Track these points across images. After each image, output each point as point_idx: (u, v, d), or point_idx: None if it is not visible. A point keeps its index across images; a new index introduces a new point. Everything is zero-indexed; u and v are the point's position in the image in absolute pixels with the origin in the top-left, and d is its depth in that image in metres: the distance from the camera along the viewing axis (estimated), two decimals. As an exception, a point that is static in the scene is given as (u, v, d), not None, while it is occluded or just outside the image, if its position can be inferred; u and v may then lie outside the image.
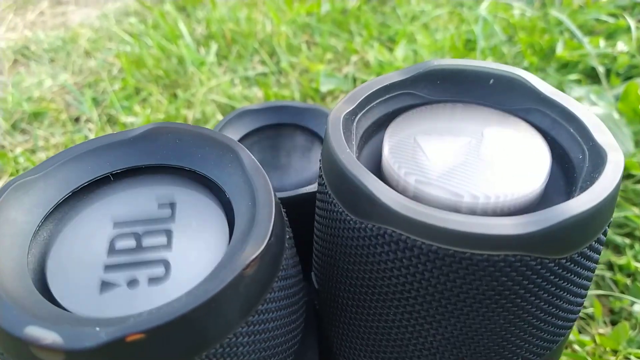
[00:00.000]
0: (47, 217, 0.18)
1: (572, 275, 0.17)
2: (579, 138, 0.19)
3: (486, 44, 0.65)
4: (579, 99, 0.53)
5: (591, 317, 0.42)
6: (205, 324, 0.15)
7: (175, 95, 0.71)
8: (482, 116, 0.21)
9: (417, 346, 0.18)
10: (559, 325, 0.18)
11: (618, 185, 0.16)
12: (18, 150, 0.65)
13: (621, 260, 0.44)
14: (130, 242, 0.18)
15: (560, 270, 0.16)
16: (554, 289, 0.17)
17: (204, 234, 0.18)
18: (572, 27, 0.53)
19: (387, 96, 0.22)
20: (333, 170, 0.18)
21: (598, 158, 0.18)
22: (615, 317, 0.42)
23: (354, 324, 0.20)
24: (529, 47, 0.63)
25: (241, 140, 0.30)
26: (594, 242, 0.17)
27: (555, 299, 0.17)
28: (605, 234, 0.17)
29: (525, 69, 0.63)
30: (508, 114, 0.21)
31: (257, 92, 0.69)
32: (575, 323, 0.41)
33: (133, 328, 0.14)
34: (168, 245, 0.18)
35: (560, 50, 0.60)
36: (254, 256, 0.15)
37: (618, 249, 0.46)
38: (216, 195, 0.19)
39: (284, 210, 0.20)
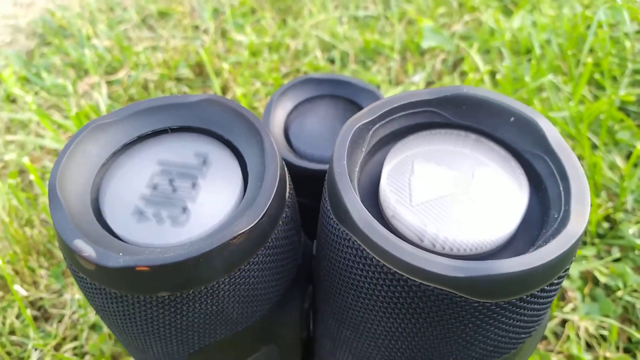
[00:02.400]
0: (114, 154, 0.24)
1: (500, 317, 0.19)
2: (562, 197, 0.21)
3: (607, 33, 0.60)
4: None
5: (605, 338, 0.43)
6: (193, 271, 0.20)
7: (284, 22, 0.75)
8: (485, 154, 0.23)
9: (366, 328, 0.22)
10: (489, 350, 0.21)
11: (560, 257, 0.18)
12: (141, 46, 0.74)
13: (658, 296, 0.43)
14: (168, 186, 0.23)
15: (486, 311, 0.19)
16: (479, 322, 0.19)
17: (222, 195, 0.23)
18: None
19: (411, 111, 0.24)
20: (329, 175, 0.21)
21: (562, 225, 0.20)
22: (631, 346, 0.43)
23: (327, 293, 0.24)
24: (656, 47, 0.58)
25: (299, 105, 0.34)
26: (525, 296, 0.19)
27: (482, 330, 0.20)
28: (544, 291, 0.20)
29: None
30: (512, 157, 0.23)
31: (360, 36, 0.70)
32: (585, 340, 0.42)
33: (142, 262, 0.19)
34: (194, 196, 0.23)
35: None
36: (241, 231, 0.20)
37: (662, 284, 0.45)
38: (241, 166, 0.24)
39: (292, 193, 0.24)
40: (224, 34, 0.74)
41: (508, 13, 0.71)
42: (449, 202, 0.21)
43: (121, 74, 0.69)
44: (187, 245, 0.20)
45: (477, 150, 0.23)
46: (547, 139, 0.22)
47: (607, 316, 0.43)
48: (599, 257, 0.45)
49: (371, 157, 0.24)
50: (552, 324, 0.43)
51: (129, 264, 0.19)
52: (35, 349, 0.42)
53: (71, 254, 0.20)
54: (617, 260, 0.46)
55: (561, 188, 0.21)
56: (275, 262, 0.23)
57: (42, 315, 0.46)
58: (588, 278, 0.44)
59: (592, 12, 0.66)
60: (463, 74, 0.63)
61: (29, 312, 0.44)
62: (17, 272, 0.48)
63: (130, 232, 0.21)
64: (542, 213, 0.22)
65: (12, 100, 0.68)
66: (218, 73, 0.67)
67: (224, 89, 0.66)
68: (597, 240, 0.45)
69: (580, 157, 0.50)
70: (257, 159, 0.23)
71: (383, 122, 0.24)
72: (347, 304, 0.22)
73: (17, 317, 0.45)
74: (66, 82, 0.68)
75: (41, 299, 0.46)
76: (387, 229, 0.21)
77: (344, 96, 0.34)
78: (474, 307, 0.19)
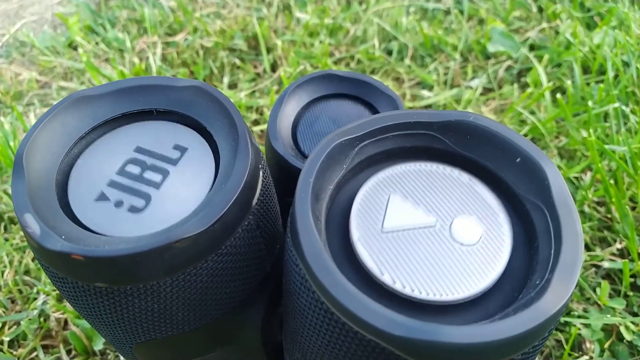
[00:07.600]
0: (93, 129, 0.23)
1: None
2: (550, 262, 0.18)
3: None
4: None
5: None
6: (130, 268, 0.19)
7: (349, 4, 0.72)
8: (473, 202, 0.20)
9: (311, 358, 0.21)
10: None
11: (520, 336, 0.16)
12: (206, 11, 0.74)
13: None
14: (136, 170, 0.22)
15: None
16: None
17: (189, 188, 0.21)
18: None
19: (409, 132, 0.22)
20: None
21: (538, 296, 0.17)
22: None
23: (285, 312, 0.23)
24: None
25: (314, 100, 0.32)
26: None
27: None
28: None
29: None
30: (504, 208, 0.20)
31: (421, 30, 0.66)
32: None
33: (77, 250, 0.18)
34: (159, 184, 0.21)
35: None
36: (185, 235, 0.19)
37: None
38: (217, 161, 0.22)
39: (265, 200, 0.22)
40: (285, 8, 0.73)
41: (591, 26, 0.65)
42: (415, 252, 0.19)
43: (179, 37, 0.70)
44: (129, 241, 0.19)
45: (465, 195, 0.20)
46: (550, 190, 0.19)
47: (626, 379, 0.39)
48: (631, 312, 0.40)
49: (355, 176, 0.22)
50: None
51: (65, 249, 0.18)
52: (42, 293, 0.44)
53: (22, 227, 0.20)
54: (651, 320, 0.41)
55: (552, 250, 0.18)
56: (231, 269, 0.22)
57: (57, 262, 0.48)
58: (613, 331, 0.40)
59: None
60: (525, 86, 0.58)
61: (43, 257, 0.46)
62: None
63: (89, 215, 0.21)
64: (527, 275, 0.19)
65: (73, 47, 0.70)
66: (271, 49, 0.66)
67: (274, 66, 0.65)
68: (631, 293, 0.41)
69: (633, 199, 0.45)
70: (230, 158, 0.21)
71: (373, 139, 0.22)
72: (296, 328, 0.21)
73: (33, 260, 0.47)
74: (126, 37, 0.69)
75: (57, 246, 0.48)
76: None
77: (362, 98, 0.32)
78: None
